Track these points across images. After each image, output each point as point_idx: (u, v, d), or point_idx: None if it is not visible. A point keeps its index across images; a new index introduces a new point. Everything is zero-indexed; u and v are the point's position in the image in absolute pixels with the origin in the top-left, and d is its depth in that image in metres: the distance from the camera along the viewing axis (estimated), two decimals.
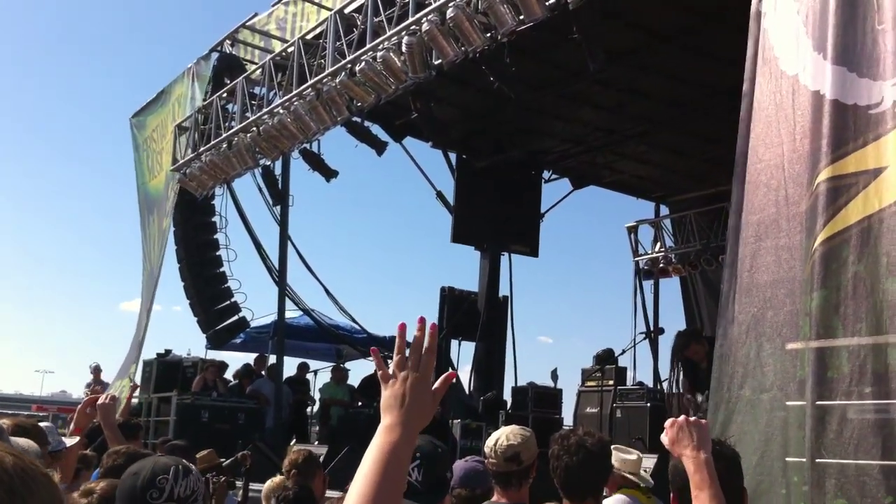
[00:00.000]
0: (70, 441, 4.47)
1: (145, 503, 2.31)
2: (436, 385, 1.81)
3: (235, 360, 23.10)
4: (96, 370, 16.23)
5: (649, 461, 7.96)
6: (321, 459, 6.70)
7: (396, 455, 1.66)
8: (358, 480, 1.65)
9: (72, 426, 4.91)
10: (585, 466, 3.24)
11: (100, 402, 5.04)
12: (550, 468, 3.31)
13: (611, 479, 5.40)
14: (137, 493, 2.33)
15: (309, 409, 15.21)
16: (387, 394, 1.76)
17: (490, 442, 3.68)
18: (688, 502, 2.68)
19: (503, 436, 3.65)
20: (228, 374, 14.44)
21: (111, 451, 4.38)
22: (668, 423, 2.62)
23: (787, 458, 4.46)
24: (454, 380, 15.21)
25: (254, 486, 7.51)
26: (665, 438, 2.60)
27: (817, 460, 4.39)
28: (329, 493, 5.26)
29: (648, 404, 10.36)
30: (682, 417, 2.60)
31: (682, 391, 9.18)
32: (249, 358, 15.43)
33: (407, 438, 1.69)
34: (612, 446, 5.49)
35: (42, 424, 4.12)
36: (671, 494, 2.80)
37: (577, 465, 3.22)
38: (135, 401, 13.88)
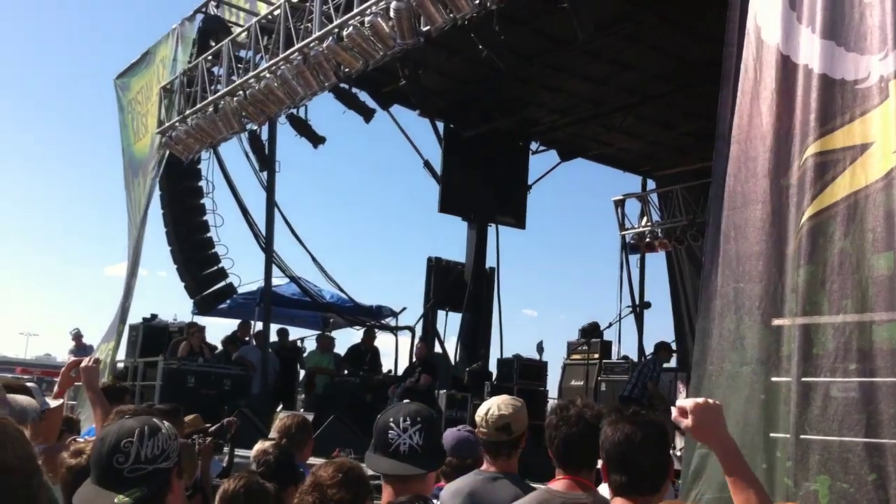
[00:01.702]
0: (54, 402, 4.46)
1: (112, 469, 2.29)
2: None
3: (222, 327, 23.12)
4: (77, 336, 16.18)
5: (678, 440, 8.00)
6: None
7: None
8: None
9: (56, 388, 4.91)
10: (584, 438, 3.23)
11: (83, 364, 5.03)
12: (547, 438, 3.29)
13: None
14: (104, 458, 2.31)
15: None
16: None
17: (481, 412, 3.69)
18: (613, 466, 2.74)
19: (494, 406, 3.66)
20: (216, 342, 14.45)
21: (119, 409, 4.37)
22: (688, 404, 2.56)
23: (771, 434, 4.48)
24: (441, 350, 15.32)
25: (239, 451, 7.52)
26: (685, 422, 2.54)
27: (801, 436, 4.41)
28: (312, 460, 5.27)
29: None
30: (702, 399, 2.53)
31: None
32: (236, 324, 15.44)
33: None
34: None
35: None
36: (601, 463, 2.83)
37: (576, 436, 3.22)
38: (120, 365, 13.87)
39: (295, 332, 15.75)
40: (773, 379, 4.66)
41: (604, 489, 2.98)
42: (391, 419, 2.79)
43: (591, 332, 11.63)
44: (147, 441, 2.33)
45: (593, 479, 3.36)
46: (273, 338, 15.02)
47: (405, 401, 2.99)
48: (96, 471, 2.34)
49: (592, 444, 3.32)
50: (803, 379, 4.45)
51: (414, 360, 12.99)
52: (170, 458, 2.37)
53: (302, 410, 12.47)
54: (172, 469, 2.38)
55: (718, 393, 4.74)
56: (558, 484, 3.20)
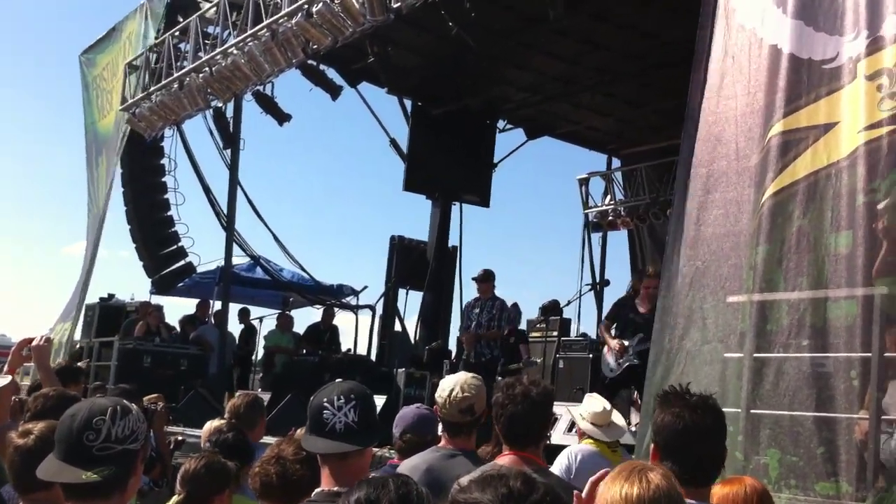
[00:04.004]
0: (2, 381, 4.37)
1: (82, 445, 2.27)
2: None
3: (181, 307, 22.86)
4: None
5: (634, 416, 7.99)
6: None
7: None
8: None
9: (6, 367, 4.82)
10: (530, 415, 3.25)
11: (34, 343, 4.94)
12: (493, 415, 3.31)
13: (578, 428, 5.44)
14: (74, 435, 2.29)
15: (253, 357, 15.18)
16: None
17: (443, 392, 3.66)
18: (670, 456, 2.66)
19: (457, 387, 3.63)
20: (174, 322, 14.32)
21: (37, 393, 4.30)
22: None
23: (724, 409, 4.50)
24: (400, 329, 15.26)
25: (195, 432, 7.47)
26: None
27: (752, 411, 4.45)
28: (266, 439, 5.22)
29: (591, 355, 10.40)
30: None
31: (606, 322, 9.10)
32: (193, 303, 15.30)
33: None
34: (586, 395, 5.49)
35: None
36: (652, 447, 2.77)
37: (522, 413, 3.23)
38: (77, 345, 13.72)
39: (255, 312, 15.62)
40: (726, 355, 4.69)
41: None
42: (324, 399, 2.77)
43: (550, 309, 11.61)
44: (119, 421, 2.32)
45: (541, 454, 3.37)
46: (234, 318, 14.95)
47: (338, 380, 2.95)
48: (63, 446, 2.32)
49: (538, 421, 3.33)
50: (755, 355, 4.48)
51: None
52: (138, 441, 2.36)
53: (260, 390, 12.37)
54: (139, 452, 2.38)
55: (676, 369, 4.76)
56: (505, 459, 3.23)
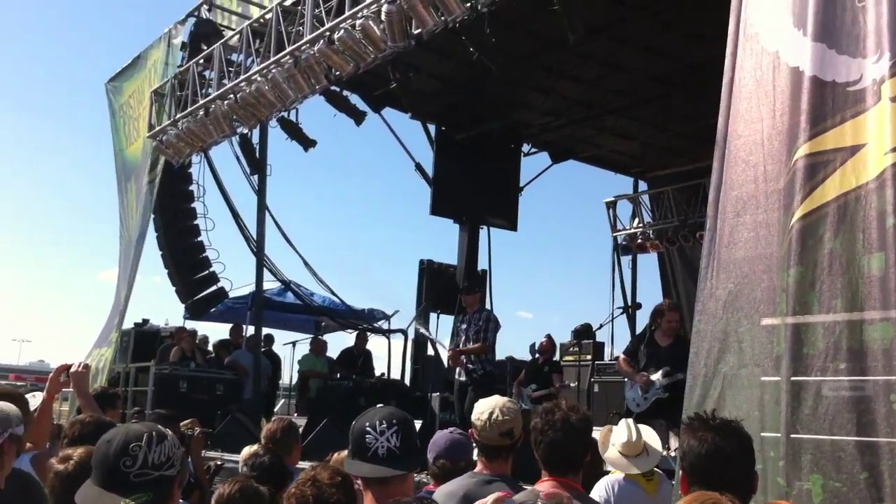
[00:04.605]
0: (35, 402, 4.45)
1: (119, 471, 2.29)
2: None
3: (214, 331, 23.03)
4: None
5: (673, 441, 7.96)
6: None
7: None
8: None
9: (44, 393, 4.90)
10: (569, 442, 3.28)
11: (72, 370, 5.03)
12: (533, 441, 3.34)
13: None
14: (111, 460, 2.31)
15: (289, 381, 15.24)
16: None
17: (482, 416, 3.68)
18: (697, 481, 2.66)
19: (496, 410, 3.65)
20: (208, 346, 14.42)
21: (74, 419, 4.36)
22: None
23: (763, 434, 4.49)
24: (433, 353, 15.26)
25: (234, 457, 7.51)
26: None
27: (792, 435, 4.42)
28: (302, 464, 5.27)
29: (626, 379, 10.39)
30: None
31: (624, 357, 9.12)
32: (227, 328, 15.41)
33: None
34: (612, 426, 5.45)
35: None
36: (680, 472, 2.77)
37: (562, 440, 3.26)
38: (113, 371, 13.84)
39: (287, 336, 15.74)
40: (763, 378, 4.67)
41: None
42: (367, 424, 2.81)
43: (583, 333, 11.61)
44: (155, 447, 2.34)
45: (580, 481, 3.39)
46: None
47: (378, 405, 3.00)
48: (100, 472, 2.33)
49: (578, 447, 3.36)
50: (793, 378, 4.47)
51: (537, 356, 12.11)
52: (174, 467, 2.39)
53: (295, 414, 12.45)
54: (175, 478, 2.40)
55: (713, 394, 4.76)
56: (544, 486, 3.25)
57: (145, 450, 2.32)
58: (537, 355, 12.16)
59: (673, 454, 6.41)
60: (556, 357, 12.18)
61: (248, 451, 5.10)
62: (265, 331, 15.60)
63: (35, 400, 4.50)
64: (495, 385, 9.48)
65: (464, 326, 10.10)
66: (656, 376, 8.41)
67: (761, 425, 4.58)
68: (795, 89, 4.98)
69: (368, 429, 2.79)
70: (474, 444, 3.92)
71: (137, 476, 2.30)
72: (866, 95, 4.68)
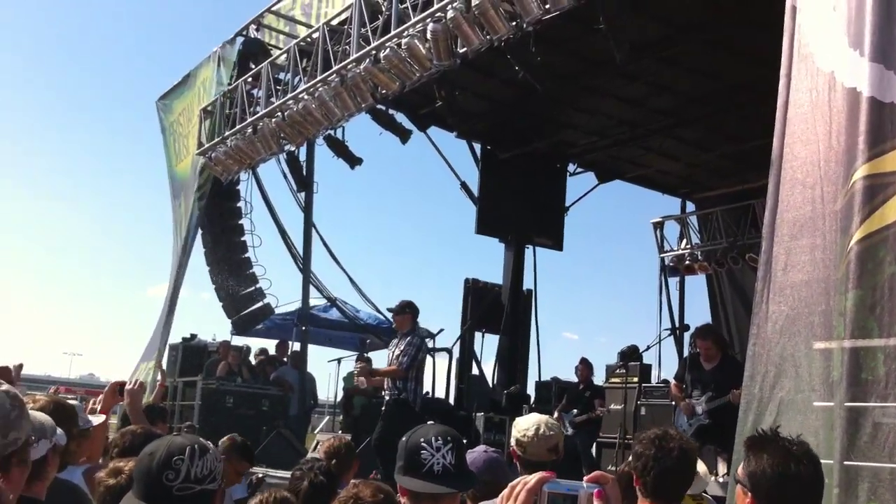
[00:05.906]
0: (96, 420, 4.51)
1: (161, 485, 2.27)
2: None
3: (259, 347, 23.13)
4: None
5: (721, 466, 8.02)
6: None
7: None
8: None
9: (98, 407, 4.96)
10: (684, 469, 3.30)
11: (128, 387, 5.12)
12: (639, 467, 3.29)
13: None
14: (153, 474, 2.28)
15: (333, 398, 15.27)
16: None
17: (528, 431, 3.66)
18: None
19: (542, 426, 3.66)
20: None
21: (125, 430, 4.40)
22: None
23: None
24: (478, 372, 15.20)
25: (277, 472, 7.53)
26: None
27: (846, 462, 4.33)
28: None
29: (673, 402, 10.28)
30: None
31: (675, 382, 9.29)
32: (273, 344, 15.52)
33: None
34: None
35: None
36: (748, 498, 2.66)
37: (677, 468, 3.27)
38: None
39: (332, 353, 15.80)
40: (816, 404, 4.59)
41: None
42: (422, 439, 2.75)
43: (629, 355, 11.48)
44: (197, 460, 2.31)
45: None
46: (314, 359, 15.09)
47: (430, 422, 2.95)
48: (142, 485, 2.31)
49: (689, 477, 3.36)
50: (846, 404, 4.38)
51: (578, 381, 12.44)
52: (216, 481, 2.35)
53: (340, 432, 12.46)
54: (216, 492, 2.36)
55: (769, 418, 4.68)
56: None
57: (188, 463, 2.29)
58: (577, 380, 12.21)
59: (721, 480, 6.31)
60: (600, 378, 12.09)
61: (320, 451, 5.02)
62: (318, 347, 15.66)
63: (95, 418, 4.55)
64: (405, 413, 8.72)
65: (391, 348, 9.63)
66: (699, 403, 8.60)
67: (816, 451, 4.49)
68: (853, 110, 4.90)
69: (424, 444, 2.73)
70: (516, 463, 3.88)
71: (180, 490, 2.27)
72: None
